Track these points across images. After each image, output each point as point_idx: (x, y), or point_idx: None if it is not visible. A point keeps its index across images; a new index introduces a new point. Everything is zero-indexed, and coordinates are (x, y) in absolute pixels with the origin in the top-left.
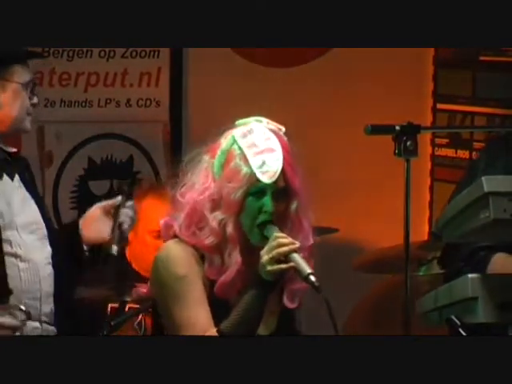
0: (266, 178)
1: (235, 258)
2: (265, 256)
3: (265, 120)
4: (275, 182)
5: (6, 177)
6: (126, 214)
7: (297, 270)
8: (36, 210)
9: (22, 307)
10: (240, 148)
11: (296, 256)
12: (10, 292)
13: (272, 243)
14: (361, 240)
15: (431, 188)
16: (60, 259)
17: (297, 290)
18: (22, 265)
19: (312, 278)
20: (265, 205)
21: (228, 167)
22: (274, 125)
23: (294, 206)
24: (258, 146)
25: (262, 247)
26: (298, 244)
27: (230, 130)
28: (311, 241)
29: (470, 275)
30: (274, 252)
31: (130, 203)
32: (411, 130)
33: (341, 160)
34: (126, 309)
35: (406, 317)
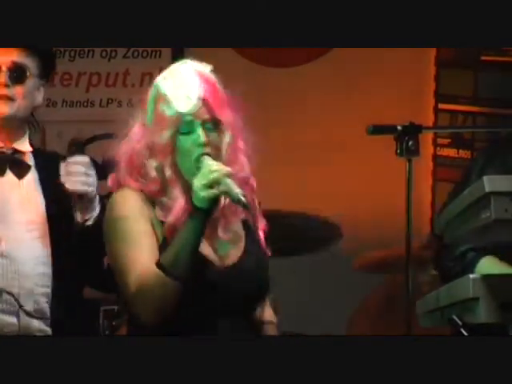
0: (182, 107)
1: (177, 199)
2: (197, 183)
3: (190, 61)
4: (200, 116)
5: (10, 174)
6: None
7: (228, 194)
8: (39, 210)
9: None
10: (163, 91)
11: (227, 180)
12: None
13: (204, 170)
14: (362, 240)
15: (433, 188)
16: (62, 258)
17: (230, 223)
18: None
19: (242, 198)
20: (197, 138)
21: (156, 113)
22: (200, 64)
23: (226, 138)
24: (177, 84)
25: None
26: (228, 169)
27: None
28: (246, 172)
29: (471, 276)
30: (206, 178)
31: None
32: (413, 130)
33: (342, 160)
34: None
35: (408, 317)
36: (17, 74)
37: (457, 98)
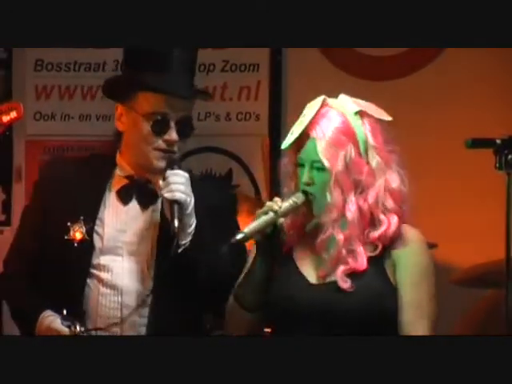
0: None
1: None
2: None
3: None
4: None
5: (134, 203)
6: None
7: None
8: (152, 243)
9: (80, 329)
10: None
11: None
12: (83, 313)
13: None
14: (460, 255)
15: None
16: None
17: None
18: (102, 289)
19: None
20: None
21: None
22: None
23: None
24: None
25: None
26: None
27: None
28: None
29: None
30: None
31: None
32: None
33: (441, 173)
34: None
35: (510, 332)
36: (169, 124)
37: None
